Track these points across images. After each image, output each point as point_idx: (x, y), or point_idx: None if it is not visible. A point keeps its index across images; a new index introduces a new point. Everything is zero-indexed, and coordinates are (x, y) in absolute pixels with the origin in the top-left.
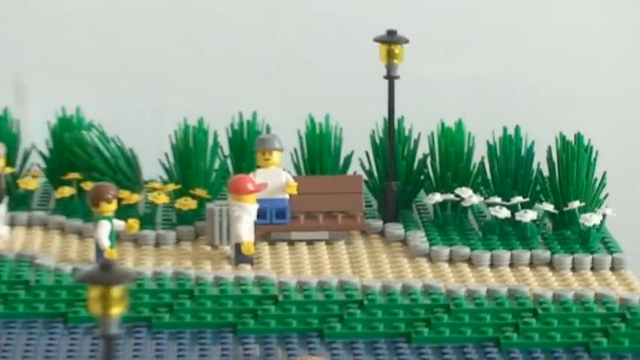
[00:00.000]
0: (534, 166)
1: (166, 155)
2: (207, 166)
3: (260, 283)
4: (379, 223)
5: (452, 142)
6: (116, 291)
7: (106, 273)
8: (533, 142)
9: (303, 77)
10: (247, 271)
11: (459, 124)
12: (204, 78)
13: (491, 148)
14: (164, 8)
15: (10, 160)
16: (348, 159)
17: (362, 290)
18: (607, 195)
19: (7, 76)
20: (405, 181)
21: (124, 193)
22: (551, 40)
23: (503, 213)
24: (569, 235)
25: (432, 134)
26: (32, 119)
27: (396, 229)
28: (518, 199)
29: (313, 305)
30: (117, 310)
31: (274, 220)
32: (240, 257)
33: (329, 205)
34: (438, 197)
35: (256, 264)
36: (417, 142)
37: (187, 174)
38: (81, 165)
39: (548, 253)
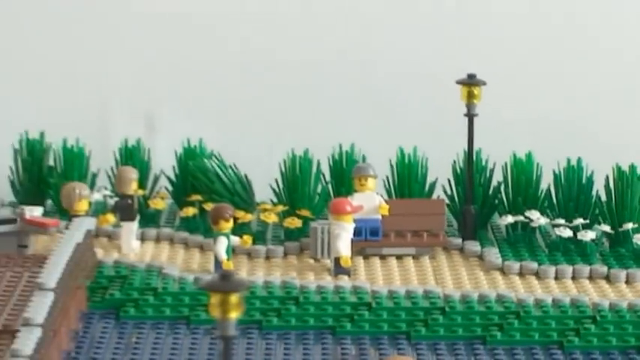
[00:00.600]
0: (594, 192)
1: (276, 181)
2: (311, 190)
3: (356, 291)
4: (459, 240)
5: (522, 172)
6: (233, 298)
7: (225, 282)
8: (592, 172)
9: (394, 113)
10: (345, 281)
11: (529, 156)
12: (310, 114)
13: (556, 177)
14: (273, 52)
15: (141, 184)
16: (432, 185)
17: (444, 298)
18: None
19: (140, 111)
20: (482, 205)
21: (240, 213)
22: (607, 87)
23: (567, 233)
24: (624, 253)
25: (505, 164)
26: (161, 149)
27: (474, 246)
28: (579, 221)
29: (401, 311)
30: (234, 315)
31: (369, 238)
32: (339, 269)
33: (416, 224)
34: (510, 219)
35: (353, 275)
36: (492, 171)
37: (294, 197)
38: (203, 189)
39: (605, 268)
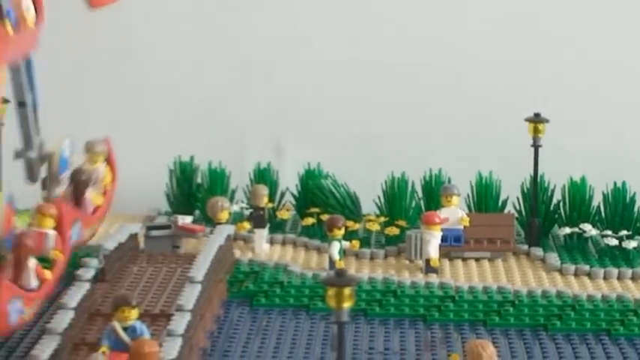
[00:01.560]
0: (635, 209)
1: (379, 197)
2: (407, 205)
3: (442, 286)
4: (526, 247)
5: (577, 192)
6: (347, 291)
7: (339, 278)
8: (635, 193)
9: (474, 143)
10: (434, 278)
11: (583, 180)
12: (406, 142)
13: (605, 197)
14: (376, 93)
15: (271, 198)
16: (504, 202)
17: (513, 293)
18: None
19: (270, 140)
20: (544, 218)
21: (349, 223)
22: None
23: (613, 242)
24: None
25: (564, 186)
26: (287, 171)
27: (538, 251)
28: (623, 232)
29: (479, 303)
30: (347, 305)
31: (453, 244)
32: (429, 268)
33: (491, 234)
34: (567, 230)
35: (440, 274)
36: (552, 191)
37: (393, 210)
38: (320, 203)
39: None
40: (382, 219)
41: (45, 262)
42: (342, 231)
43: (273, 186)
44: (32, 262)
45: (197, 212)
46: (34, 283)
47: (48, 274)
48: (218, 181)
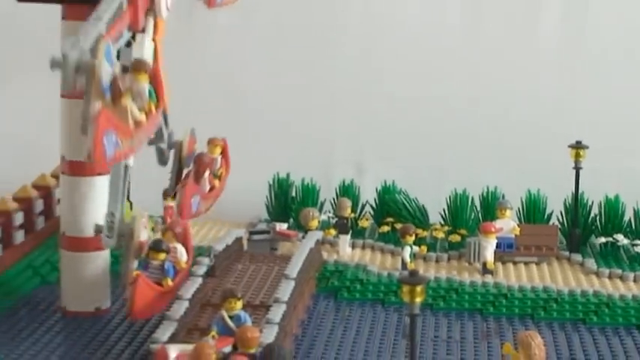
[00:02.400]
0: None
1: (444, 210)
2: (467, 216)
3: (496, 286)
4: (567, 253)
5: (612, 208)
6: (419, 288)
7: (412, 277)
8: None
9: (525, 166)
10: (489, 279)
11: (617, 197)
12: (467, 162)
13: (635, 212)
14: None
15: (353, 209)
16: (549, 215)
17: (557, 292)
18: None
19: (353, 160)
20: (583, 229)
21: (419, 231)
22: None
23: None
24: None
25: (600, 202)
26: (367, 186)
27: (577, 257)
28: None
29: (528, 300)
30: (418, 300)
31: (505, 250)
32: (485, 270)
33: (537, 241)
34: (602, 239)
35: (494, 275)
36: (590, 206)
37: (456, 221)
38: (394, 213)
39: None
40: (446, 228)
41: None
42: (413, 237)
43: (355, 199)
44: (206, 173)
45: (291, 220)
46: (207, 187)
47: (217, 182)
48: (309, 195)
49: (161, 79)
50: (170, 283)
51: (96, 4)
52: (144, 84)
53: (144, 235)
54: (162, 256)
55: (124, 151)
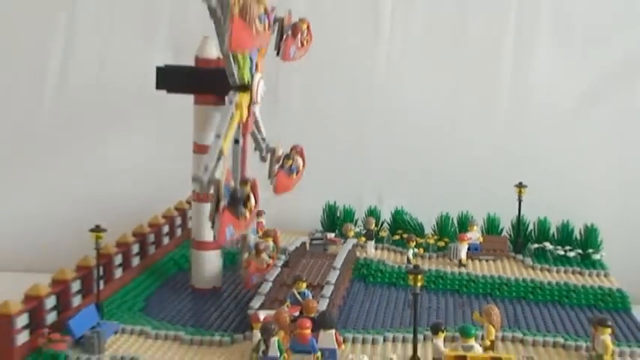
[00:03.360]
0: (574, 234)
1: (434, 225)
2: (449, 229)
3: (468, 275)
4: (513, 254)
5: (541, 225)
6: (419, 276)
7: (415, 269)
8: (574, 227)
9: (488, 198)
10: (463, 270)
11: (545, 218)
12: (450, 197)
13: (557, 228)
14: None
15: (376, 224)
16: (502, 229)
17: (506, 279)
18: None
19: (375, 192)
20: (523, 239)
21: (418, 239)
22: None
23: (561, 252)
24: (577, 261)
25: (535, 222)
26: (385, 210)
27: (520, 257)
28: (567, 247)
29: (488, 284)
30: (419, 284)
31: (473, 252)
32: (460, 264)
33: (494, 246)
34: (535, 245)
35: (466, 267)
36: (528, 224)
37: (442, 232)
38: (402, 227)
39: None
40: (436, 237)
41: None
42: (414, 243)
43: (377, 218)
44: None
45: (337, 231)
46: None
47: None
48: (348, 215)
49: (257, 193)
50: (295, 175)
51: (215, 94)
52: (248, 194)
53: (281, 150)
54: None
55: (236, 237)
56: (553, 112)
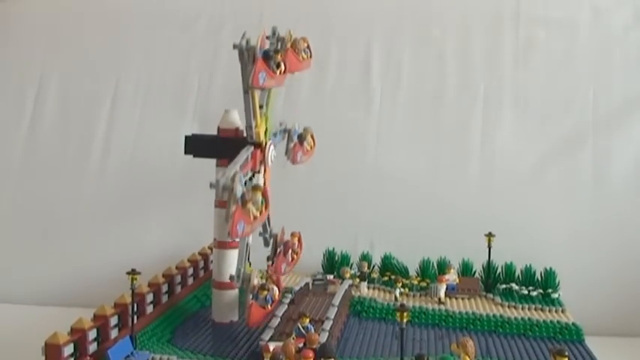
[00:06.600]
0: (536, 277)
1: (418, 268)
2: (430, 272)
3: (447, 311)
4: (484, 293)
5: (508, 269)
6: (405, 313)
7: (402, 307)
8: (535, 270)
9: (464, 246)
10: (442, 307)
11: (511, 263)
12: (430, 245)
13: (522, 271)
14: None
15: (368, 267)
16: (474, 272)
17: (479, 315)
18: None
19: (368, 240)
20: (493, 280)
21: (404, 280)
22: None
23: (526, 292)
24: (542, 299)
25: (502, 266)
26: (376, 255)
27: (490, 295)
28: (530, 287)
29: (464, 319)
30: (405, 319)
31: (451, 291)
32: (440, 302)
33: (468, 286)
34: (504, 286)
35: (445, 305)
36: (496, 268)
37: (424, 274)
38: (390, 270)
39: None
40: (419, 278)
41: None
42: (401, 283)
43: (369, 261)
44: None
45: (335, 273)
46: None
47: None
48: (345, 259)
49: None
50: (269, 306)
51: (233, 158)
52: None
53: (255, 280)
54: (265, 292)
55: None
56: (515, 174)
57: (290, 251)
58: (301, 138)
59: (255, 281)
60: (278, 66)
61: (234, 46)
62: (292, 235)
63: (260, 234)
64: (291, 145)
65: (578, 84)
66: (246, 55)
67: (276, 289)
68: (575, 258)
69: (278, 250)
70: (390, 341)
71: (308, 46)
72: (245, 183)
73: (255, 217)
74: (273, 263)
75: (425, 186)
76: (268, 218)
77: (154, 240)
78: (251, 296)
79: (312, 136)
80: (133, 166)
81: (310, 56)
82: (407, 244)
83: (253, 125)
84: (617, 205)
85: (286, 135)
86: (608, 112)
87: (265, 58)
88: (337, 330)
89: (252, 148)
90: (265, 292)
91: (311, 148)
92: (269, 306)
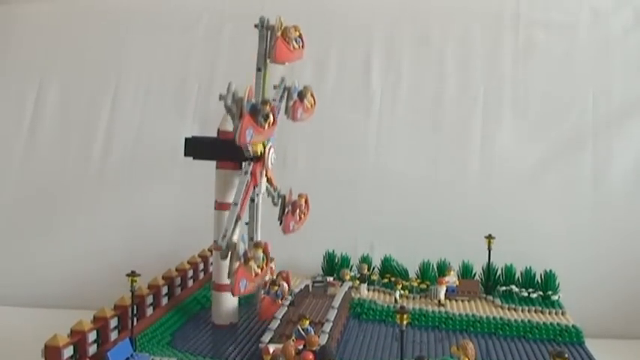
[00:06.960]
0: (536, 279)
1: (418, 270)
2: (430, 274)
3: (447, 313)
4: (484, 295)
5: (508, 271)
6: (405, 315)
7: (402, 309)
8: (535, 272)
9: (465, 248)
10: (442, 309)
11: (511, 265)
12: (431, 247)
13: (522, 273)
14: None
15: (368, 269)
16: (474, 274)
17: (479, 317)
18: None
19: (368, 242)
20: (493, 282)
21: (404, 282)
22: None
23: (526, 294)
24: (535, 299)
25: (502, 268)
26: (376, 257)
27: (490, 297)
28: (530, 289)
29: (464, 321)
30: (405, 321)
31: (450, 293)
32: (440, 304)
33: (468, 288)
34: (503, 288)
35: (445, 306)
36: (496, 270)
37: (424, 276)
38: (390, 272)
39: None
40: (419, 280)
41: None
42: (401, 285)
43: (369, 264)
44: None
45: (335, 275)
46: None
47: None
48: (345, 262)
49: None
50: (280, 300)
51: (233, 161)
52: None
53: (242, 246)
54: (276, 288)
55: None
56: (515, 175)
57: (298, 210)
58: (301, 95)
59: (241, 247)
60: (266, 118)
61: (220, 97)
62: (300, 196)
63: (268, 194)
64: (291, 102)
65: (577, 85)
66: (234, 108)
67: (285, 285)
68: (575, 260)
69: (286, 210)
70: (390, 343)
71: (300, 36)
72: (253, 199)
73: (256, 274)
74: (282, 223)
75: (425, 188)
76: (271, 181)
77: (154, 241)
78: (262, 291)
79: (312, 95)
80: (132, 167)
81: (302, 46)
82: (407, 246)
83: (250, 149)
84: (617, 206)
85: (286, 93)
86: (607, 113)
87: (252, 113)
88: (337, 332)
89: (250, 166)
90: (276, 288)
91: (311, 106)
92: (280, 300)
